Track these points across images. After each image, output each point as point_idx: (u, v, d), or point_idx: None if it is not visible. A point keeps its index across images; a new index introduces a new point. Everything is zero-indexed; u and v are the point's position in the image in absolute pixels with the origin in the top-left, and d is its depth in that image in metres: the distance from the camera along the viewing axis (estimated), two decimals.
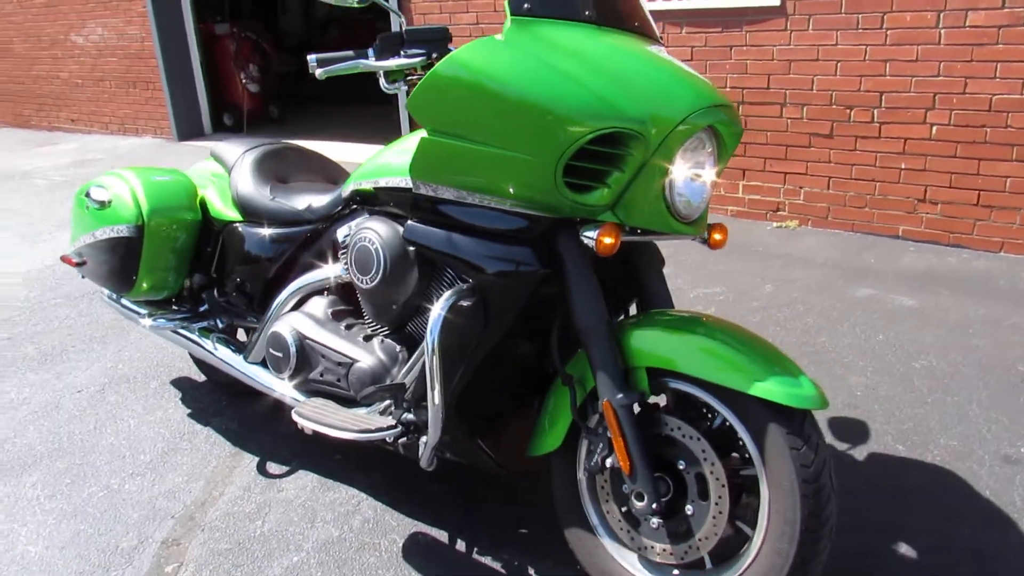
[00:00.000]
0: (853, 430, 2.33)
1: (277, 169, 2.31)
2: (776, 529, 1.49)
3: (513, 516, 2.05)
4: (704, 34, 4.23)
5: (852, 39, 3.76)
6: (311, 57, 1.80)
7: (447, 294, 1.64)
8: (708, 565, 1.62)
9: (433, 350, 1.64)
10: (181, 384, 2.82)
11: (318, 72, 1.79)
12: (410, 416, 1.81)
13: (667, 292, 1.78)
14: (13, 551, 2.01)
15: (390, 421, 1.83)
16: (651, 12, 1.77)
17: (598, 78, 1.50)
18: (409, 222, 1.72)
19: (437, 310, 1.63)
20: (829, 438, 2.27)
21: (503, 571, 1.87)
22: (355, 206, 1.97)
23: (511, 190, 1.54)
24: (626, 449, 1.55)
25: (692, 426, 1.57)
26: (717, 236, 1.74)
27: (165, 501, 2.17)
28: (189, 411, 2.63)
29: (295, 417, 1.94)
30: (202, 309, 2.44)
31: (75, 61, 8.17)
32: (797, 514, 1.45)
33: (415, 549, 1.94)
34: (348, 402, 1.98)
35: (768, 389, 1.44)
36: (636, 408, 1.58)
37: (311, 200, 2.11)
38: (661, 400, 1.66)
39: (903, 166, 3.78)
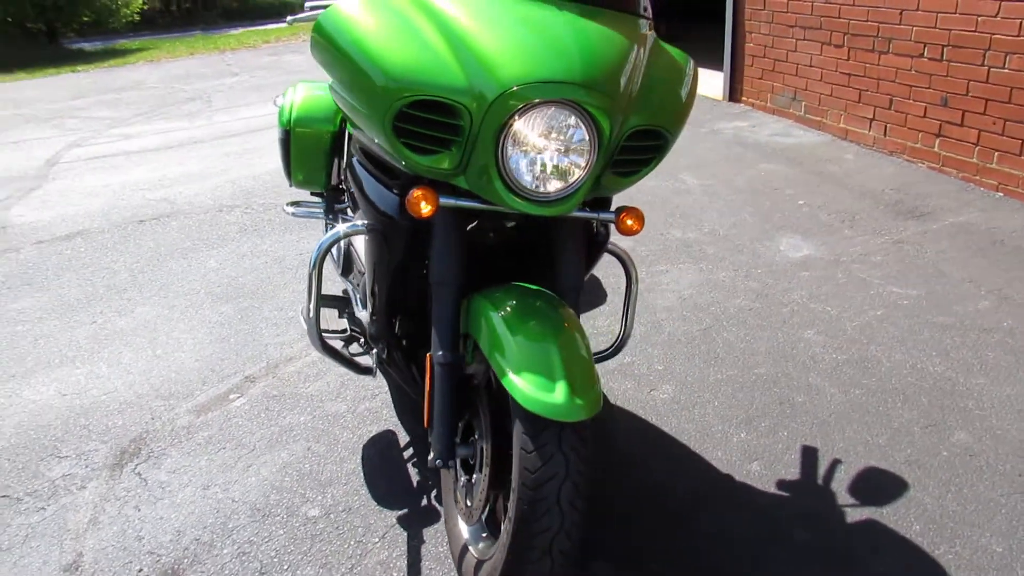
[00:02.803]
0: None
1: None
2: (507, 523, 1.49)
3: None
4: None
5: None
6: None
7: (361, 222, 1.79)
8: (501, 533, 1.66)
9: (362, 268, 1.85)
10: None
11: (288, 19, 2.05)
12: (358, 327, 2.08)
13: (574, 272, 1.70)
14: (172, 335, 2.79)
15: (344, 325, 2.12)
16: None
17: (441, 42, 1.47)
18: (352, 158, 1.92)
19: (361, 234, 1.81)
20: None
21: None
22: None
23: (376, 144, 1.63)
24: (429, 404, 1.65)
25: (492, 403, 1.60)
26: (628, 222, 1.62)
27: (273, 350, 2.76)
28: None
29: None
30: (338, 206, 2.90)
31: None
32: (513, 515, 1.45)
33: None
34: None
35: (514, 384, 1.41)
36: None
37: None
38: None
39: None
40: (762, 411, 2.29)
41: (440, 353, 1.61)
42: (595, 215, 1.65)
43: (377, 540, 1.90)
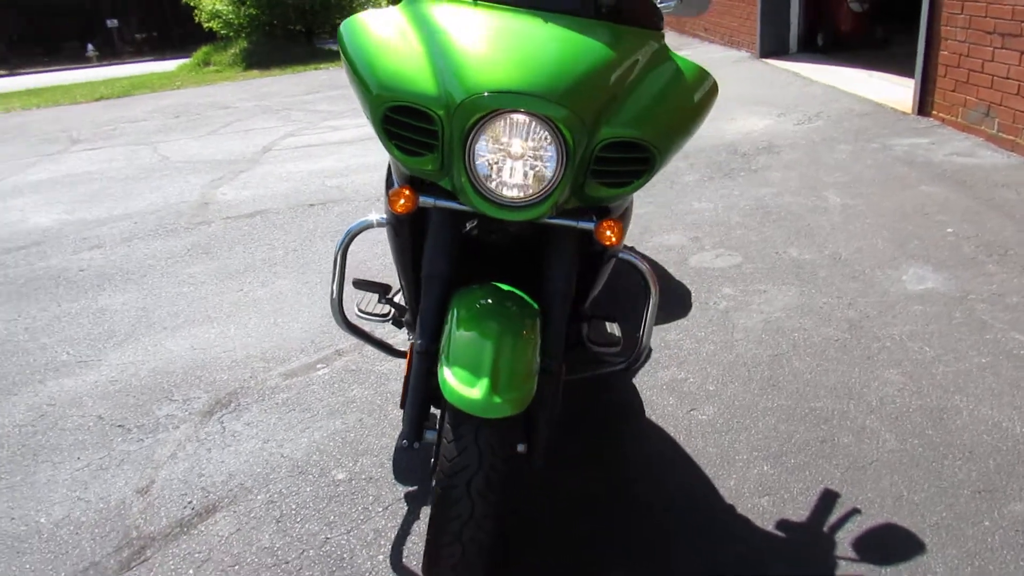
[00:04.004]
0: None
1: None
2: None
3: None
4: None
5: None
6: None
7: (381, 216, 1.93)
8: None
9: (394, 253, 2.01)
10: None
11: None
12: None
13: (561, 278, 1.72)
14: (295, 308, 3.14)
15: (385, 309, 2.28)
16: None
17: (425, 53, 1.57)
18: None
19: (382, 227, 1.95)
20: None
21: None
22: None
23: None
24: (404, 387, 1.77)
25: None
26: (607, 233, 1.60)
27: (368, 328, 3.02)
28: None
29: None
30: None
31: None
32: (431, 499, 1.53)
33: None
34: None
35: (444, 376, 1.50)
36: None
37: None
38: None
39: None
40: (798, 447, 2.17)
41: (419, 342, 1.73)
42: (573, 223, 1.67)
43: (381, 510, 2.06)
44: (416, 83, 1.55)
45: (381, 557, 1.90)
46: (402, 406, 1.76)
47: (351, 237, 1.99)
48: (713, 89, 1.88)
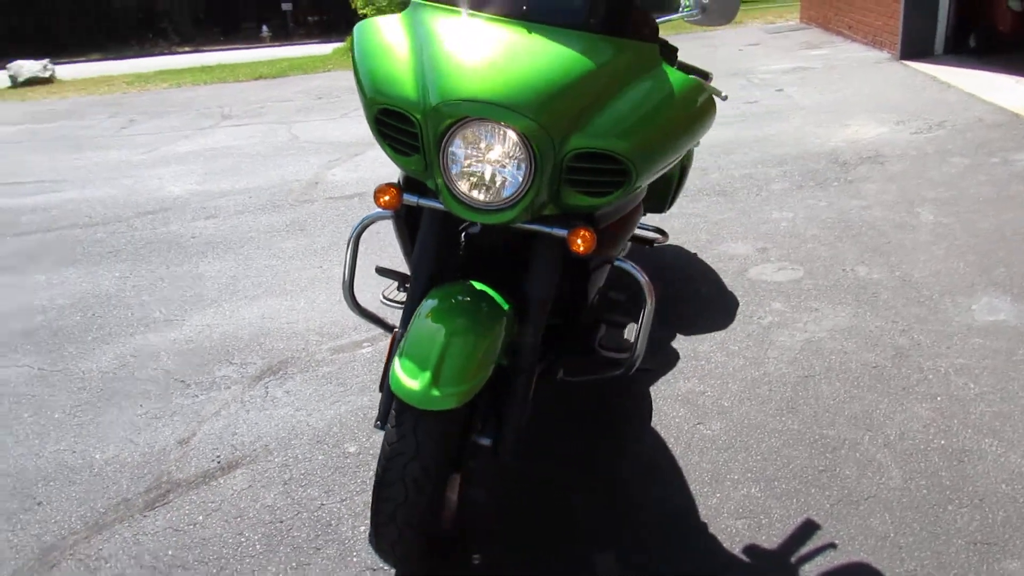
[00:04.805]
0: None
1: None
2: None
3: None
4: None
5: None
6: None
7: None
8: None
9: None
10: None
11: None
12: None
13: (540, 283, 1.77)
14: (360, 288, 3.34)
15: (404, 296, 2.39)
16: None
17: (412, 60, 1.65)
18: None
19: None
20: None
21: None
22: None
23: None
24: (384, 372, 1.87)
25: None
26: (577, 241, 1.64)
27: None
28: None
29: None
30: None
31: None
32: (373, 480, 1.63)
33: None
34: None
35: (393, 366, 1.59)
36: None
37: None
38: None
39: None
40: (794, 473, 2.11)
41: (399, 331, 1.84)
42: (547, 229, 1.72)
43: None
44: (401, 88, 1.65)
45: (363, 529, 2.03)
46: (380, 389, 1.87)
47: (364, 226, 2.11)
48: (707, 104, 1.86)
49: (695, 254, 3.47)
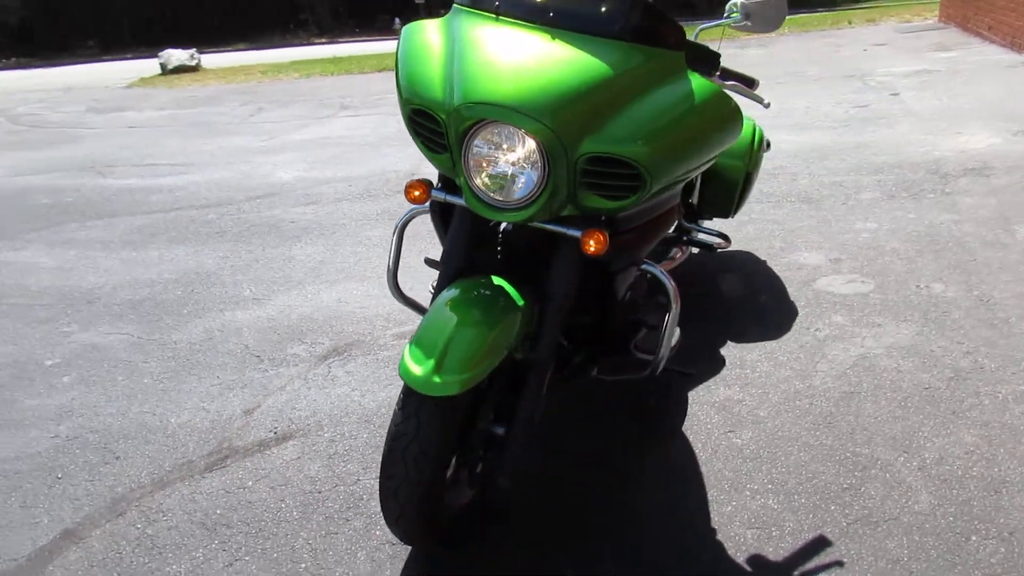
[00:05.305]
0: None
1: None
2: None
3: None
4: None
5: None
6: None
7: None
8: None
9: None
10: None
11: None
12: None
13: (558, 283, 1.82)
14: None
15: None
16: None
17: (443, 63, 1.75)
18: None
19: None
20: None
21: None
22: None
23: None
24: None
25: None
26: (591, 242, 1.70)
27: None
28: None
29: None
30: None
31: None
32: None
33: None
34: None
35: (404, 352, 1.69)
36: None
37: None
38: None
39: None
40: (816, 488, 2.08)
41: None
42: (563, 229, 1.79)
43: None
44: (431, 89, 1.76)
45: None
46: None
47: (409, 218, 2.24)
48: (730, 113, 1.86)
49: (764, 261, 3.41)
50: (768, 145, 3.16)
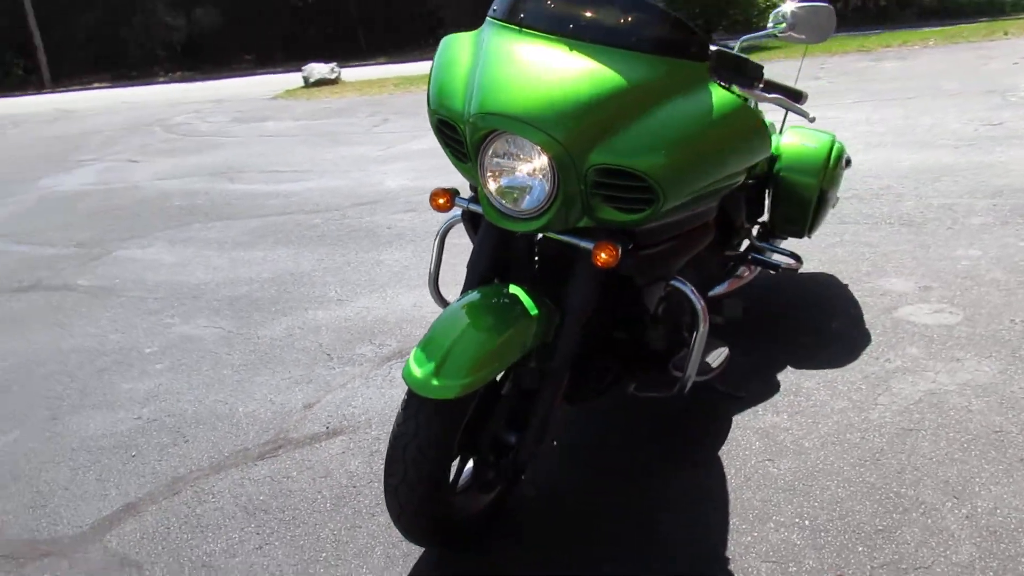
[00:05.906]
0: None
1: None
2: None
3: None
4: None
5: None
6: None
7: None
8: None
9: None
10: None
11: None
12: None
13: (576, 295, 1.84)
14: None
15: None
16: None
17: (466, 74, 1.80)
18: None
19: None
20: None
21: None
22: None
23: None
24: None
25: None
26: (602, 255, 1.71)
27: None
28: None
29: None
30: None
31: None
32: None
33: None
34: None
35: (410, 355, 1.75)
36: None
37: None
38: None
39: None
40: (848, 527, 1.97)
41: None
42: (576, 241, 1.81)
43: None
44: (453, 99, 1.82)
45: None
46: None
47: (449, 226, 2.31)
48: (753, 128, 1.81)
49: (846, 285, 3.24)
50: (848, 162, 3.01)
